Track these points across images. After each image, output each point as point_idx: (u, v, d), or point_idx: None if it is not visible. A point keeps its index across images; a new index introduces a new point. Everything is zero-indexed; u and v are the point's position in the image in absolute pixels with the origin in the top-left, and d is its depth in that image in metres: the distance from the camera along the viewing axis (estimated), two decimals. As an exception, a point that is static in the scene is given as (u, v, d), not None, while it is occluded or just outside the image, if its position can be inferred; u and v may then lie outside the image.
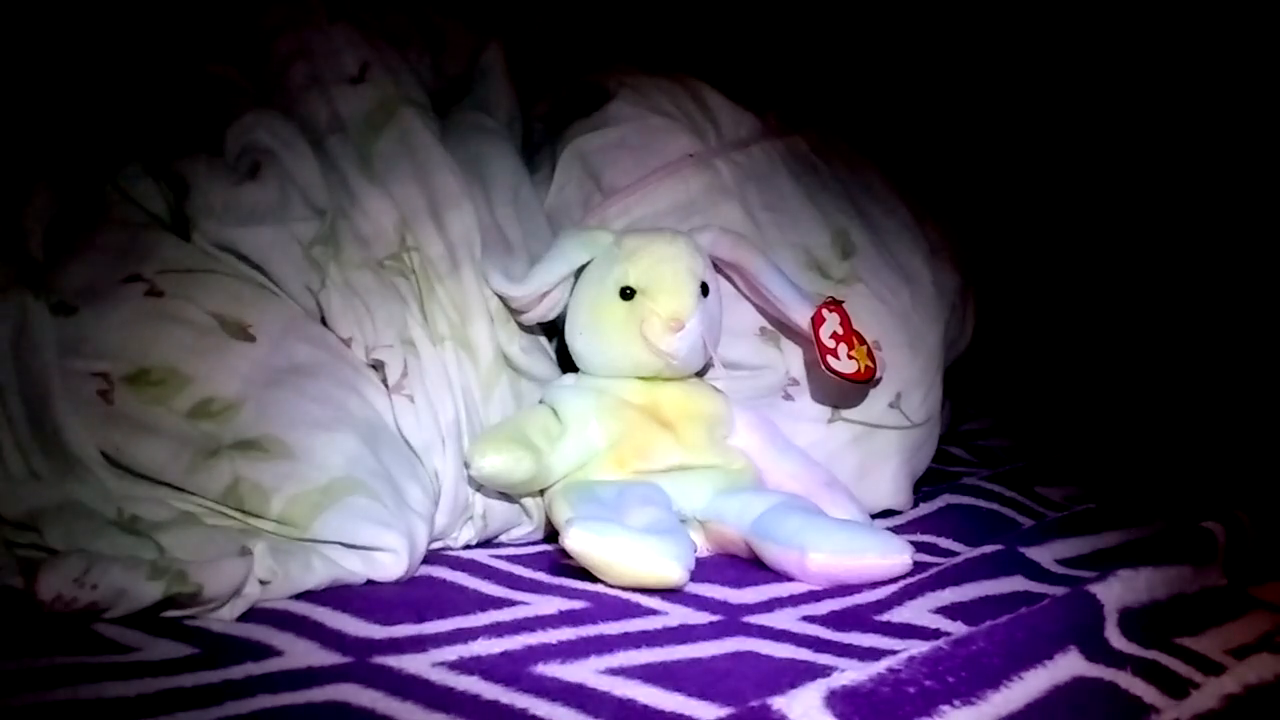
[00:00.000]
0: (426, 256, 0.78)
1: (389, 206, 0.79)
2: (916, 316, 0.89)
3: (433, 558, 0.70)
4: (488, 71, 0.95)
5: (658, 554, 0.65)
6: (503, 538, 0.78)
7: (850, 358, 0.79)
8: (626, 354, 0.78)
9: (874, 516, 0.83)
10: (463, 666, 0.53)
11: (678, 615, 0.61)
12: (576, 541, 0.64)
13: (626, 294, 0.77)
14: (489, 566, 0.70)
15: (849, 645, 0.58)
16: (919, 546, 0.73)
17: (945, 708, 0.45)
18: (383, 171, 0.80)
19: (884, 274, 0.89)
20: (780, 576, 0.69)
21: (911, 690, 0.46)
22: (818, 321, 0.79)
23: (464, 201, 0.80)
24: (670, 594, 0.64)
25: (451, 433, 0.74)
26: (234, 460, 0.65)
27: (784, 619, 0.62)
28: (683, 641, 0.57)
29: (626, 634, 0.58)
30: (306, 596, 0.61)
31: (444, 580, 0.67)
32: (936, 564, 0.71)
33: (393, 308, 0.76)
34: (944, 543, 0.79)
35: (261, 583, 0.60)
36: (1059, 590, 0.60)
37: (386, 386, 0.74)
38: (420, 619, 0.59)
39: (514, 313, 0.80)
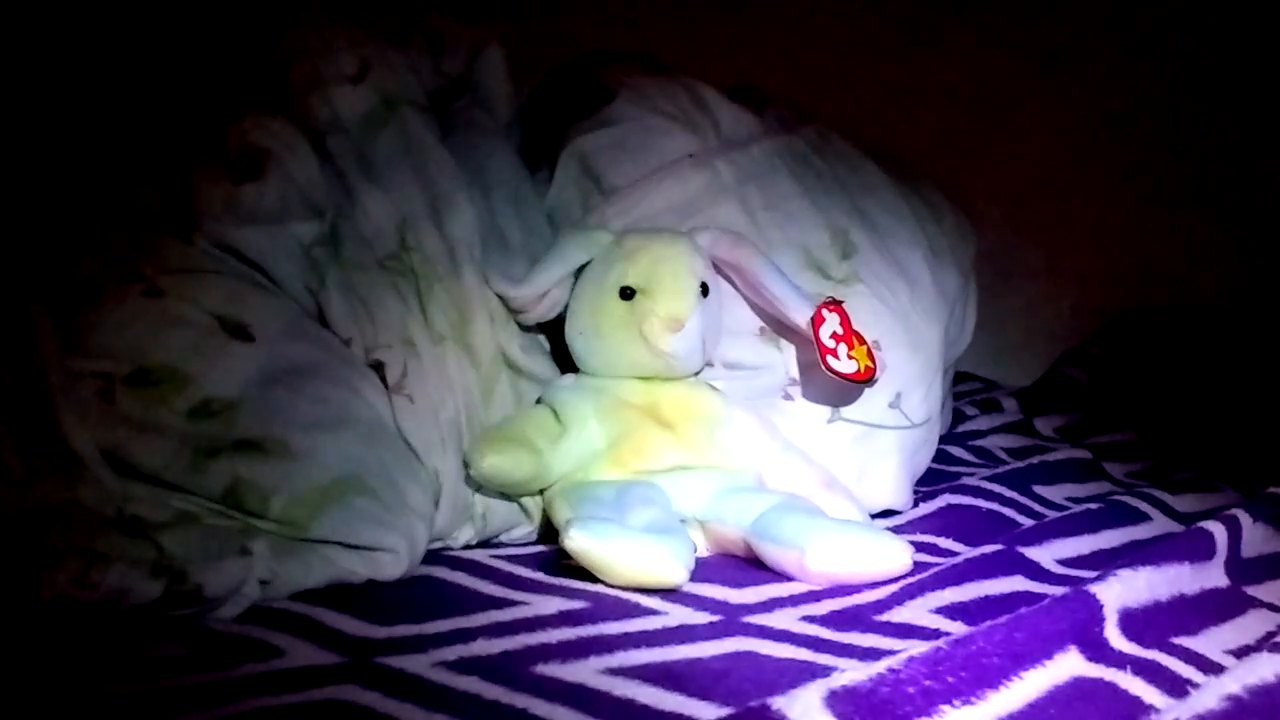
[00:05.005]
0: (426, 256, 0.78)
1: (389, 206, 0.79)
2: (916, 316, 0.89)
3: (433, 558, 0.70)
4: (487, 71, 0.95)
5: (658, 554, 0.65)
6: (503, 538, 0.78)
7: (850, 358, 0.79)
8: (626, 354, 0.78)
9: (874, 516, 0.83)
10: (463, 666, 0.53)
11: (678, 615, 0.61)
12: (576, 541, 0.64)
13: (626, 294, 0.77)
14: (489, 566, 0.70)
15: (849, 645, 0.58)
16: (919, 546, 0.73)
17: (945, 708, 0.45)
18: (383, 171, 0.80)
19: (884, 274, 0.89)
20: (780, 576, 0.69)
21: (911, 690, 0.46)
22: (817, 321, 0.79)
23: (464, 201, 0.80)
24: (670, 594, 0.64)
25: (451, 433, 0.74)
26: (234, 460, 0.65)
27: (784, 619, 0.62)
28: (683, 641, 0.57)
29: (626, 634, 0.58)
30: (306, 596, 0.61)
31: (444, 580, 0.67)
32: (936, 564, 0.71)
33: (393, 308, 0.76)
34: (944, 543, 0.79)
35: (261, 583, 0.60)
36: (1059, 590, 0.60)
37: (386, 386, 0.74)
38: (420, 619, 0.59)
39: (514, 313, 0.80)
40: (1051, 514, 0.86)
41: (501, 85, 0.95)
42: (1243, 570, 0.66)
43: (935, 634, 0.60)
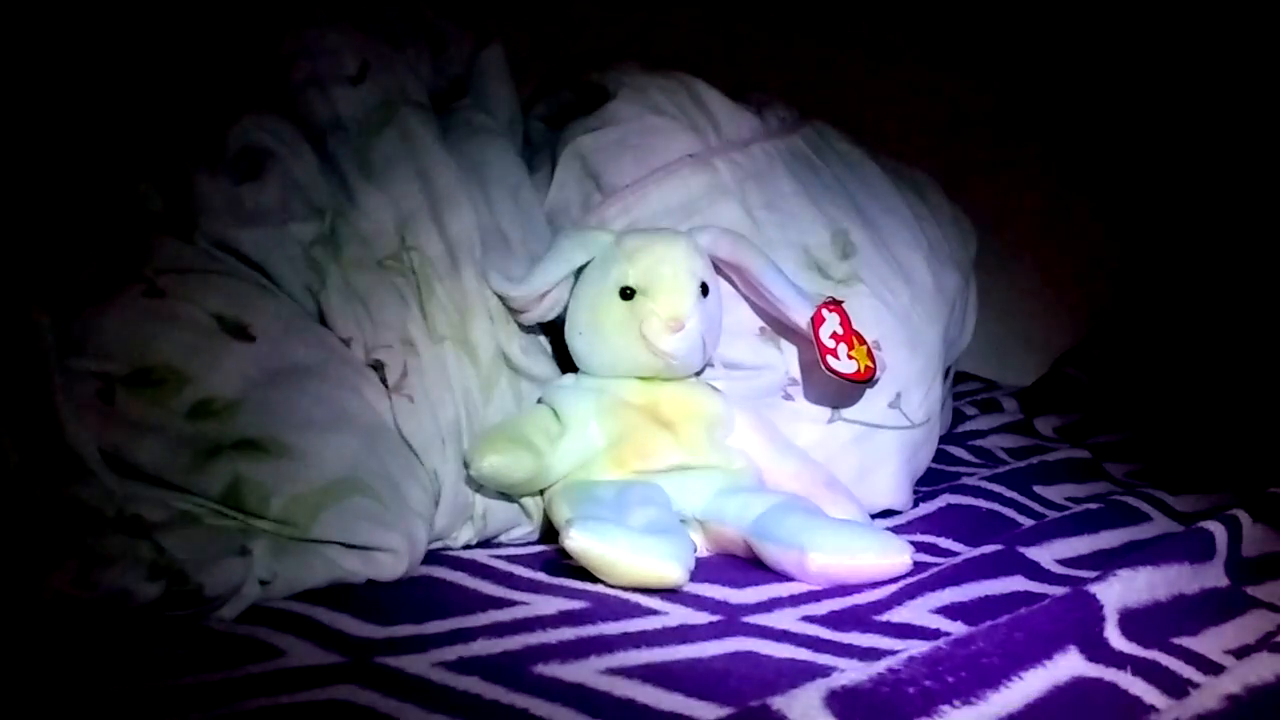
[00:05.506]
0: (426, 256, 0.78)
1: (389, 206, 0.79)
2: (916, 316, 0.89)
3: (433, 558, 0.70)
4: (488, 71, 0.95)
5: (658, 554, 0.65)
6: (502, 538, 0.78)
7: (850, 358, 0.79)
8: (626, 354, 0.78)
9: (874, 516, 0.83)
10: (463, 666, 0.53)
11: (678, 615, 0.61)
12: (576, 541, 0.64)
13: (626, 294, 0.77)
14: (489, 566, 0.70)
15: (849, 645, 0.58)
16: (919, 546, 0.73)
17: (945, 708, 0.45)
18: (383, 171, 0.80)
19: (884, 274, 0.89)
20: (780, 576, 0.69)
21: (911, 690, 0.46)
22: (817, 321, 0.79)
23: (464, 201, 0.80)
24: (670, 594, 0.64)
25: (451, 433, 0.74)
26: (234, 460, 0.65)
27: (784, 619, 0.62)
28: (683, 641, 0.57)
29: (626, 634, 0.58)
30: (306, 596, 0.61)
31: (444, 580, 0.67)
32: (936, 564, 0.71)
33: (393, 308, 0.76)
34: (944, 543, 0.79)
35: (261, 583, 0.60)
36: (1059, 590, 0.60)
37: (386, 386, 0.74)
38: (420, 619, 0.59)
39: (514, 313, 0.80)
40: (1051, 514, 0.86)
41: (502, 85, 0.95)
42: (1243, 570, 0.66)
43: (935, 634, 0.60)
